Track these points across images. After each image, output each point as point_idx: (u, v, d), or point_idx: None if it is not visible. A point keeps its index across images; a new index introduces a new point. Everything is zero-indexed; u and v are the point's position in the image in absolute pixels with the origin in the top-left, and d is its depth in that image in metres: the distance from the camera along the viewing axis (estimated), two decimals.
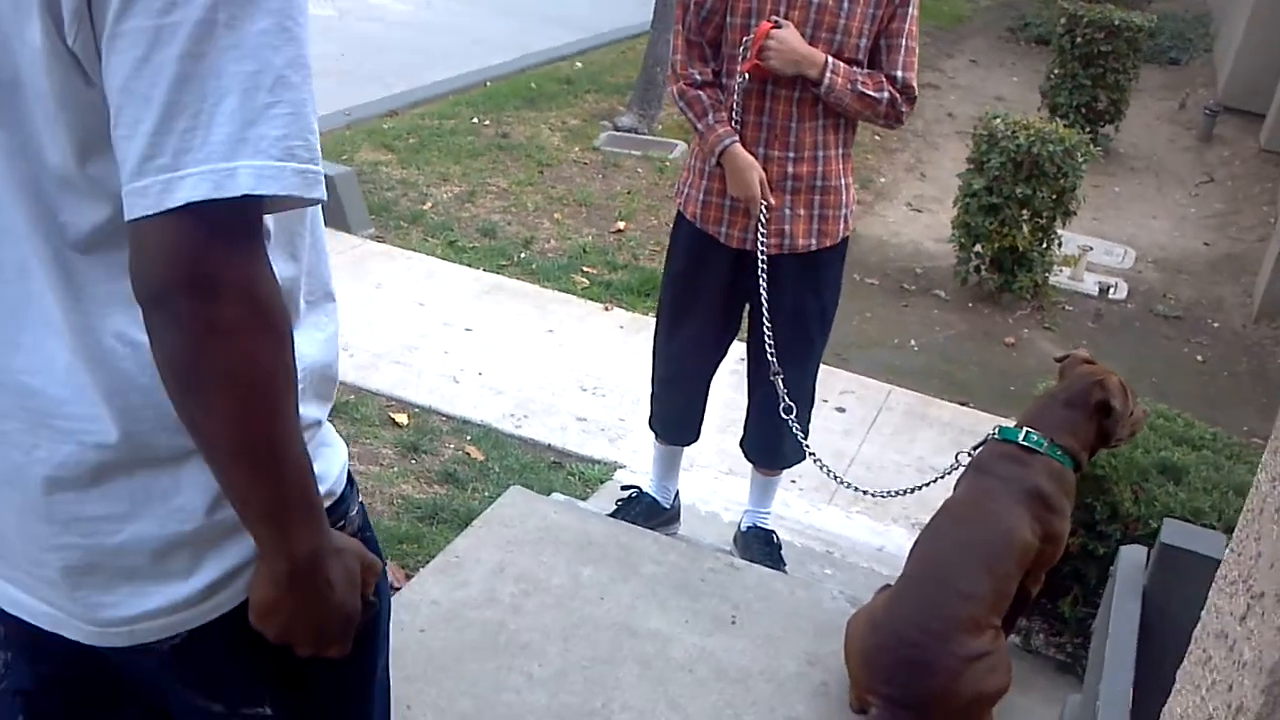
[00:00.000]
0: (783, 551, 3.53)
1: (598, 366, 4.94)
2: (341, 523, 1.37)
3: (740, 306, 3.29)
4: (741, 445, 3.49)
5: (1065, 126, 6.47)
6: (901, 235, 7.44)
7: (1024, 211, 6.24)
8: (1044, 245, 6.42)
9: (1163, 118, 10.55)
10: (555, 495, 3.73)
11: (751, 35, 2.94)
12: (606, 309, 5.54)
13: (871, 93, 2.98)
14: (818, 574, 3.60)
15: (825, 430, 4.60)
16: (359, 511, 1.43)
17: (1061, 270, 6.89)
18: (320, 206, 1.21)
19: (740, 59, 2.98)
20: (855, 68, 2.98)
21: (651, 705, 2.66)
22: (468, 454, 4.17)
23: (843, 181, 3.12)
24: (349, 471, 1.41)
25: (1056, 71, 9.20)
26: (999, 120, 6.35)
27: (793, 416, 3.19)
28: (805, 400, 3.31)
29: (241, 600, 1.27)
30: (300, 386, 1.20)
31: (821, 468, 3.28)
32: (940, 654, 2.61)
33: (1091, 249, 7.26)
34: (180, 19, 1.02)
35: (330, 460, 1.36)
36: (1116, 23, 8.90)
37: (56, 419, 1.19)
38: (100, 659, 1.33)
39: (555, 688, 2.67)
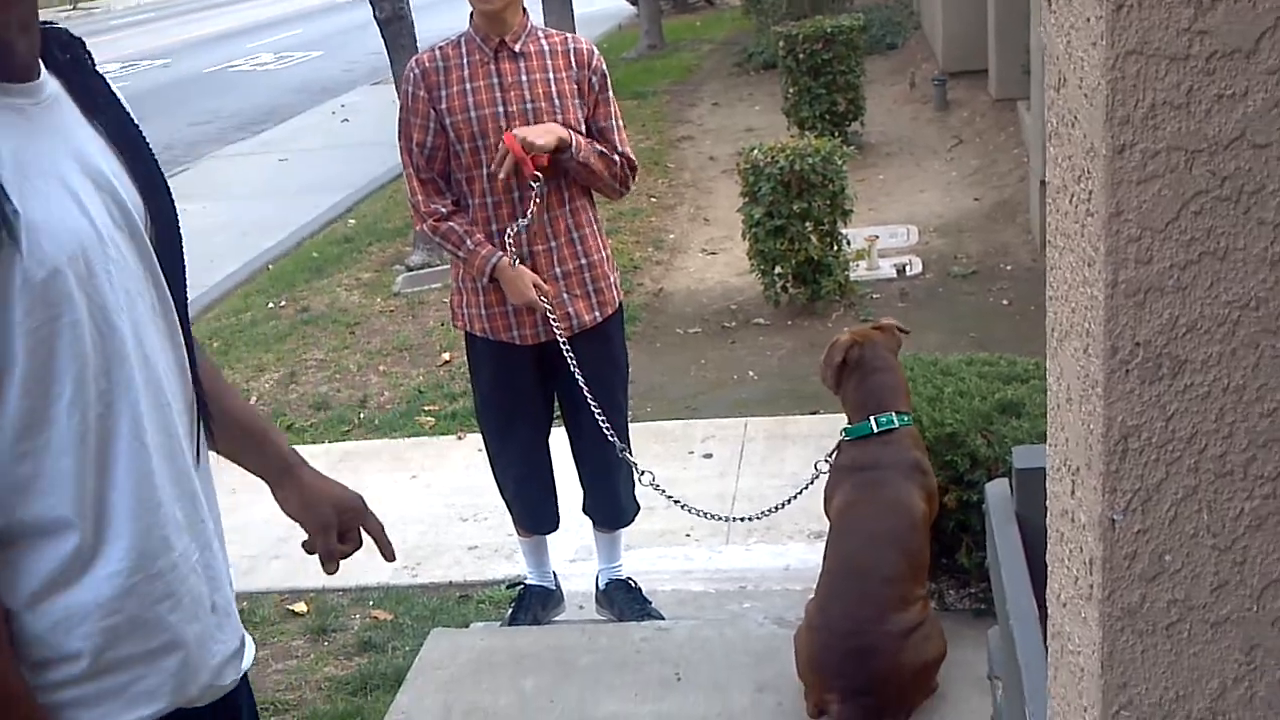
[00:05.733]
0: (644, 592, 3.74)
1: (469, 494, 5.02)
2: None
3: (549, 392, 3.55)
4: (585, 511, 3.74)
5: (816, 137, 6.89)
6: (707, 279, 7.75)
7: (806, 224, 6.60)
8: (834, 249, 6.79)
9: (899, 100, 11.23)
10: (474, 625, 3.81)
11: (498, 152, 3.17)
12: (459, 438, 5.64)
13: (608, 153, 3.35)
14: (739, 610, 3.76)
15: (700, 478, 4.78)
16: None
17: (858, 265, 7.28)
18: None
19: (482, 179, 3.23)
20: None
21: None
22: (375, 619, 4.21)
23: (603, 254, 3.45)
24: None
25: (791, 90, 9.70)
26: (756, 151, 6.72)
27: (624, 449, 3.42)
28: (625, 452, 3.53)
29: None
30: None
31: (660, 490, 3.45)
32: (878, 636, 2.79)
33: (878, 237, 7.69)
34: None
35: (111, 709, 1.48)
36: (829, 30, 9.47)
37: None
38: None
39: None
